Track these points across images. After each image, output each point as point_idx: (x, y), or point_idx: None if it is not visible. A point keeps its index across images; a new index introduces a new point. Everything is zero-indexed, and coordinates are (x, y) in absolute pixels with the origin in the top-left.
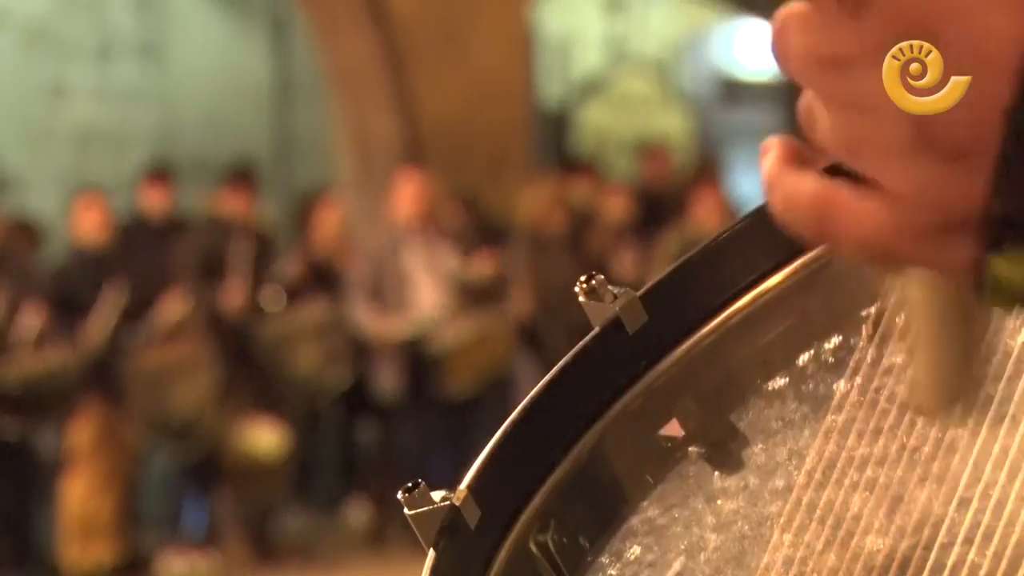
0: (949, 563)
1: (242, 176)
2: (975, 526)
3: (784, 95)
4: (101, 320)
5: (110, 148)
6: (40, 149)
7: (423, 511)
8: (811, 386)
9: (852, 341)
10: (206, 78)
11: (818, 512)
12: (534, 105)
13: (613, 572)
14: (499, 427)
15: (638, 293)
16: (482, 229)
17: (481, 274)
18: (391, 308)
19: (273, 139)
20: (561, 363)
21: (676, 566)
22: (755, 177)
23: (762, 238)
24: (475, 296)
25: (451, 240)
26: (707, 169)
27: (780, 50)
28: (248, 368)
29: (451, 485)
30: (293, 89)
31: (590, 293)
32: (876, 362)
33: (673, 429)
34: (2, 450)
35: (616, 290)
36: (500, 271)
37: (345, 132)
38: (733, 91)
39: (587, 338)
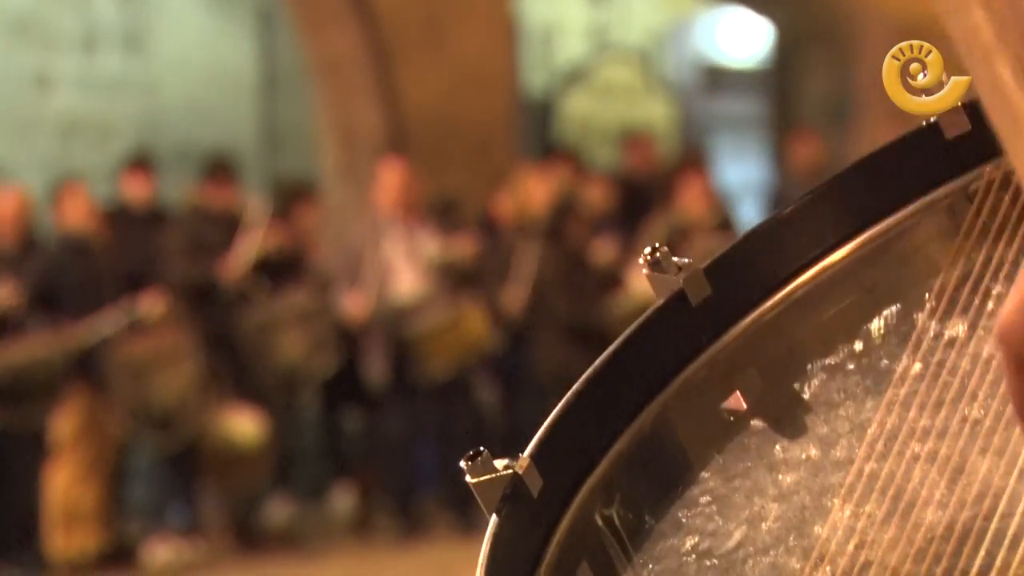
0: (1009, 533)
1: (225, 166)
2: None
3: (768, 84)
4: (88, 330)
5: (94, 138)
6: (24, 139)
7: (485, 479)
8: (874, 359)
9: (915, 315)
10: (190, 68)
11: (879, 483)
12: (518, 94)
13: (674, 541)
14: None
15: (702, 266)
16: (463, 223)
17: (459, 257)
18: (373, 296)
19: (257, 129)
20: (625, 334)
21: (737, 536)
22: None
23: (826, 213)
24: (454, 280)
25: (432, 228)
26: (692, 157)
27: (1009, 327)
28: (231, 357)
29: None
30: (277, 79)
31: (654, 265)
32: (939, 335)
33: (735, 401)
34: None
35: (680, 262)
36: (478, 255)
37: (329, 122)
38: (716, 79)
39: (651, 310)
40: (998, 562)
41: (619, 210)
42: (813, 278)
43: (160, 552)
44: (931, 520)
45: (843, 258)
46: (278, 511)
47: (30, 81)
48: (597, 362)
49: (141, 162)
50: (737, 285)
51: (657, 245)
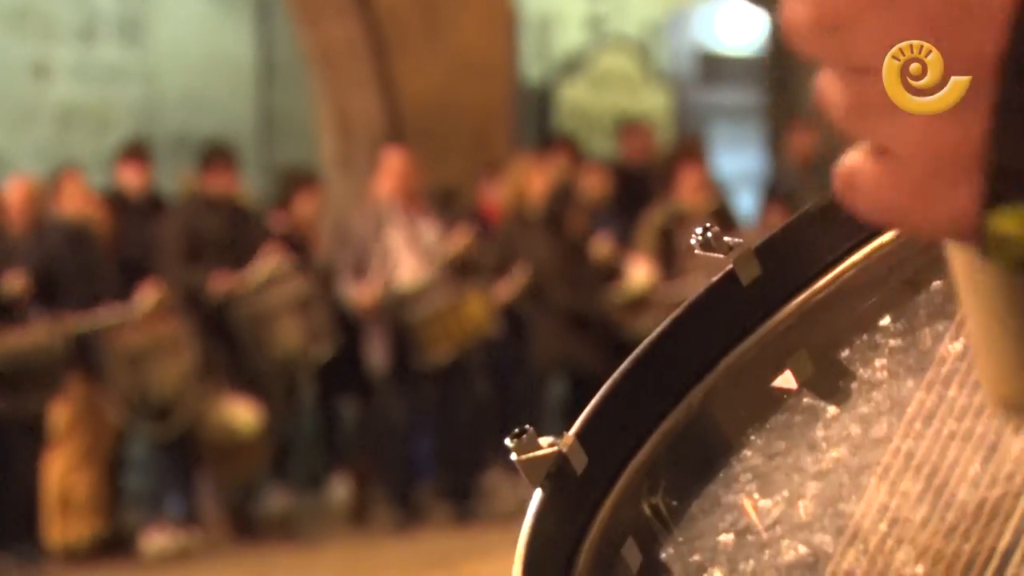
0: None
1: (223, 154)
2: None
3: (764, 74)
4: (87, 320)
5: (92, 127)
6: (22, 128)
7: (531, 456)
8: (917, 338)
9: (957, 297)
10: (188, 58)
11: (915, 462)
12: (515, 84)
13: (714, 518)
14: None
15: (753, 246)
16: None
17: (459, 247)
18: (374, 284)
19: (255, 119)
20: (675, 313)
21: (775, 513)
22: (735, 154)
23: None
24: (454, 270)
25: (432, 217)
26: (690, 146)
27: (787, 22)
28: (227, 346)
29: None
30: (275, 69)
31: (704, 245)
32: None
33: (786, 380)
34: None
35: (732, 242)
36: (477, 245)
37: (327, 112)
38: (714, 69)
39: (701, 289)
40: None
41: (617, 199)
42: (862, 259)
43: (157, 541)
44: (963, 498)
45: (891, 240)
46: (275, 500)
47: (28, 70)
48: (646, 341)
49: (138, 151)
50: (787, 265)
51: (708, 225)
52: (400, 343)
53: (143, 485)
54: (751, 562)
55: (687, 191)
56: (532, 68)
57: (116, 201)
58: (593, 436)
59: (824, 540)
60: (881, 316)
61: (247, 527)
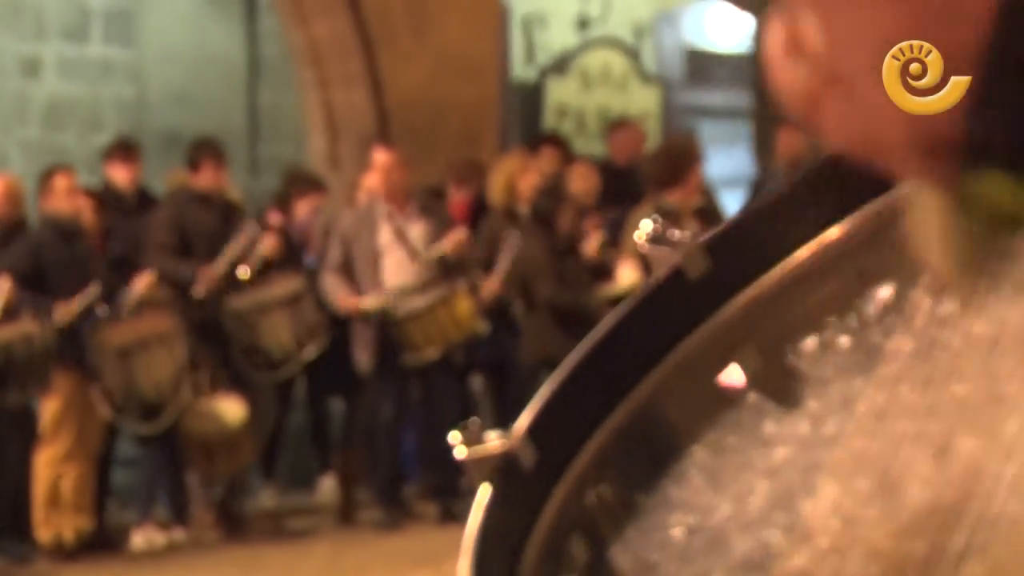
0: (991, 512)
1: (212, 150)
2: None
3: (753, 74)
4: (74, 306)
5: (81, 124)
6: (11, 125)
7: (478, 452)
8: (867, 336)
9: (909, 292)
10: (177, 56)
11: (866, 460)
12: (504, 82)
13: (664, 515)
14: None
15: (701, 241)
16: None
17: (448, 248)
18: (362, 283)
19: (244, 116)
20: (622, 308)
21: (725, 510)
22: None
23: (821, 192)
24: (442, 269)
25: (419, 215)
26: (690, 146)
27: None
28: (217, 342)
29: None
30: (264, 66)
31: (653, 240)
32: (931, 313)
33: (732, 376)
34: None
35: (679, 237)
36: (466, 245)
37: (316, 109)
38: (702, 69)
39: (649, 283)
40: (979, 541)
41: (605, 197)
42: (811, 255)
43: (145, 537)
44: (916, 498)
45: (838, 236)
46: (263, 496)
47: (18, 67)
48: (594, 336)
49: (127, 148)
50: (735, 260)
51: (657, 219)
52: (387, 341)
53: (132, 481)
54: (700, 558)
55: (687, 191)
56: (521, 66)
57: (105, 198)
58: (542, 431)
59: (774, 538)
60: (831, 311)
61: (235, 523)
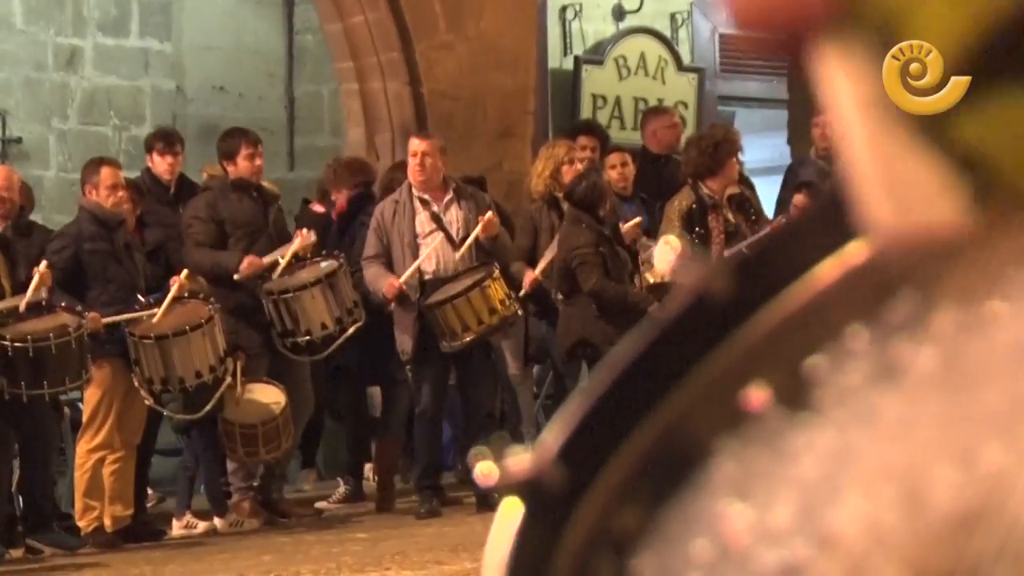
0: (1016, 517)
1: (245, 139)
2: None
3: (788, 61)
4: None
5: (120, 116)
6: (51, 116)
7: (507, 471)
8: (891, 346)
9: (932, 302)
10: (216, 46)
11: (891, 469)
12: (541, 71)
13: (689, 528)
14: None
15: (726, 260)
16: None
17: (486, 232)
18: (400, 271)
19: (282, 107)
20: (649, 327)
21: (751, 520)
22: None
23: (842, 210)
24: (481, 256)
25: (458, 203)
26: (730, 137)
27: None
28: (256, 327)
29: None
30: (302, 57)
31: (681, 256)
32: (955, 322)
33: (757, 391)
34: (19, 410)
35: (702, 256)
36: (501, 232)
37: (354, 100)
38: (738, 57)
39: (675, 302)
40: (1004, 545)
41: (641, 186)
42: (834, 269)
43: (184, 525)
44: (942, 506)
45: (858, 252)
46: (303, 483)
47: (57, 59)
48: (617, 355)
49: (168, 138)
50: (759, 276)
51: (680, 234)
52: (425, 328)
53: (170, 468)
54: (727, 570)
55: (725, 180)
56: (557, 56)
57: (147, 189)
58: (571, 451)
59: (802, 548)
60: (853, 323)
61: (274, 510)
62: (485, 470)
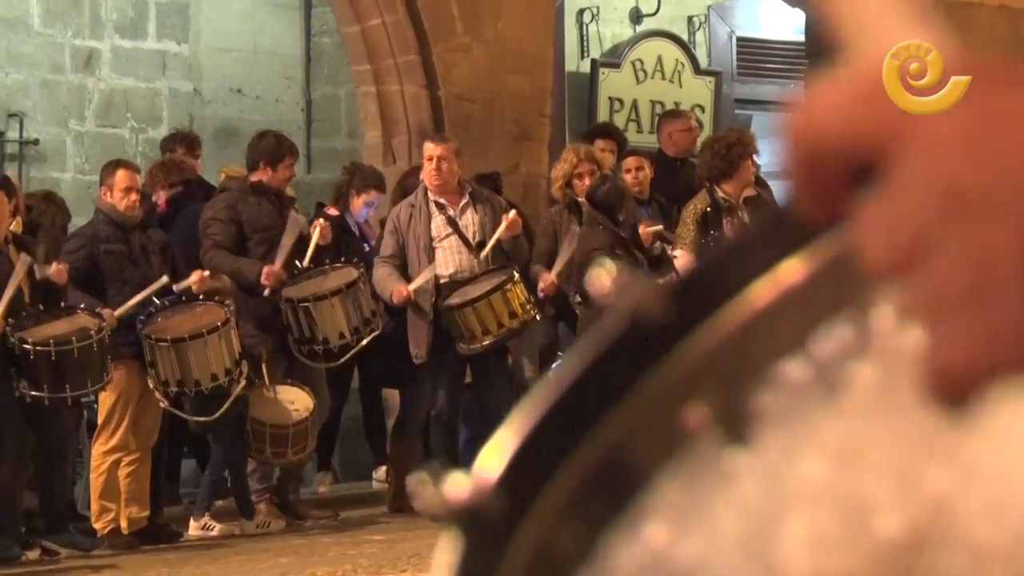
0: (958, 536)
1: (294, 154)
2: (986, 501)
3: (805, 66)
4: (134, 301)
5: (137, 117)
6: (68, 118)
7: (445, 498)
8: (832, 367)
9: (871, 322)
10: (233, 48)
11: (835, 492)
12: (558, 74)
13: (631, 554)
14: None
15: (663, 284)
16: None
17: (504, 234)
18: (415, 274)
19: (299, 109)
20: (582, 350)
21: (693, 550)
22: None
23: (780, 229)
24: (498, 259)
25: (474, 207)
26: (747, 141)
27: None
28: (274, 331)
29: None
30: (319, 59)
31: (619, 275)
32: (894, 341)
33: (696, 413)
34: (39, 412)
35: (641, 272)
36: (520, 235)
37: (371, 103)
38: (755, 60)
39: (611, 319)
40: (948, 565)
41: (658, 188)
42: (774, 289)
43: (201, 526)
44: (884, 529)
45: (799, 269)
46: (318, 485)
47: (74, 61)
48: (550, 375)
49: (188, 139)
50: (699, 297)
51: (617, 252)
52: (441, 331)
53: (189, 469)
54: None
55: (740, 183)
56: (574, 59)
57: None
58: (511, 475)
59: (744, 574)
60: (795, 343)
61: (292, 511)
62: (425, 497)
